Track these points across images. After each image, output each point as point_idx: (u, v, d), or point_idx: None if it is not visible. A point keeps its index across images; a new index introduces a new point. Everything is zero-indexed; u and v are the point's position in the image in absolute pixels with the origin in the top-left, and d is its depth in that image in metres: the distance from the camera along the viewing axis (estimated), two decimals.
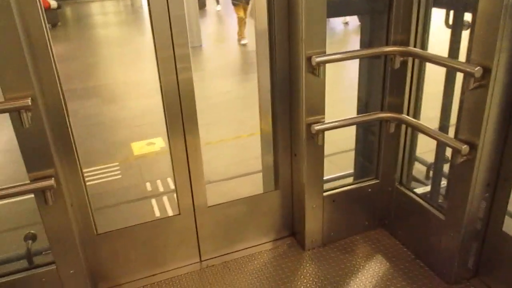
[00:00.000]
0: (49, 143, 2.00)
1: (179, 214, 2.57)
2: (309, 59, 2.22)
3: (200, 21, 11.01)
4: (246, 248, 2.79)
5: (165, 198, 3.91)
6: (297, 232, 2.84)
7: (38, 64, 1.97)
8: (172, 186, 4.15)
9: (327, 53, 2.24)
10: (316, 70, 2.23)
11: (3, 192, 1.97)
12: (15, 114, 1.86)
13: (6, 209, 3.72)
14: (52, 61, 2.01)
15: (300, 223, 2.73)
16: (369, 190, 2.75)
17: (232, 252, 2.77)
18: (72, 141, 2.19)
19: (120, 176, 4.49)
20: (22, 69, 1.84)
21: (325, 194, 2.64)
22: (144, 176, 4.45)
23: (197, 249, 2.69)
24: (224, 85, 7.43)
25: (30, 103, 1.84)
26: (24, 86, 1.87)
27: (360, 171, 2.96)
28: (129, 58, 9.69)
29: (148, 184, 4.26)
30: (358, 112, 2.84)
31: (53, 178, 2.01)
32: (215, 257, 2.74)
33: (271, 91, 2.52)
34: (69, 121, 2.18)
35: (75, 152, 2.23)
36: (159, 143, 5.07)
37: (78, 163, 2.25)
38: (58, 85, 2.06)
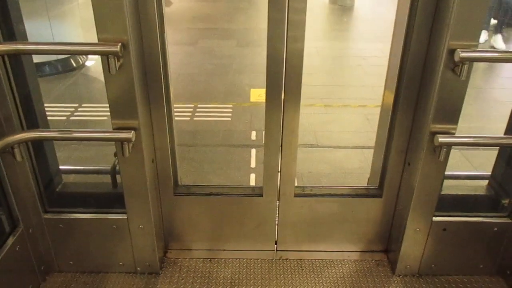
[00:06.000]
0: (135, 95, 1.87)
1: (262, 196, 2.33)
2: (451, 52, 1.70)
3: None
4: (328, 251, 2.46)
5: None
6: (390, 250, 2.41)
7: (140, 8, 1.83)
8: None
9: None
10: (458, 68, 1.71)
11: (84, 135, 1.94)
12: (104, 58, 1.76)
13: None
14: (155, 5, 1.85)
15: (397, 243, 2.29)
16: (495, 229, 2.16)
17: (312, 251, 2.47)
18: (164, 97, 2.06)
19: (230, 119, 4.48)
20: (116, 11, 1.69)
21: (435, 219, 2.14)
22: (253, 124, 4.39)
23: (274, 237, 2.45)
24: (363, 49, 6.98)
25: (118, 49, 1.70)
26: (117, 30, 1.73)
27: (489, 202, 2.34)
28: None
29: (253, 133, 4.20)
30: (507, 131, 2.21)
31: (132, 131, 1.89)
32: (292, 251, 2.47)
33: (397, 79, 2.04)
34: (164, 72, 2.03)
35: (165, 108, 2.09)
36: None
37: (166, 120, 2.12)
38: (158, 31, 1.90)
